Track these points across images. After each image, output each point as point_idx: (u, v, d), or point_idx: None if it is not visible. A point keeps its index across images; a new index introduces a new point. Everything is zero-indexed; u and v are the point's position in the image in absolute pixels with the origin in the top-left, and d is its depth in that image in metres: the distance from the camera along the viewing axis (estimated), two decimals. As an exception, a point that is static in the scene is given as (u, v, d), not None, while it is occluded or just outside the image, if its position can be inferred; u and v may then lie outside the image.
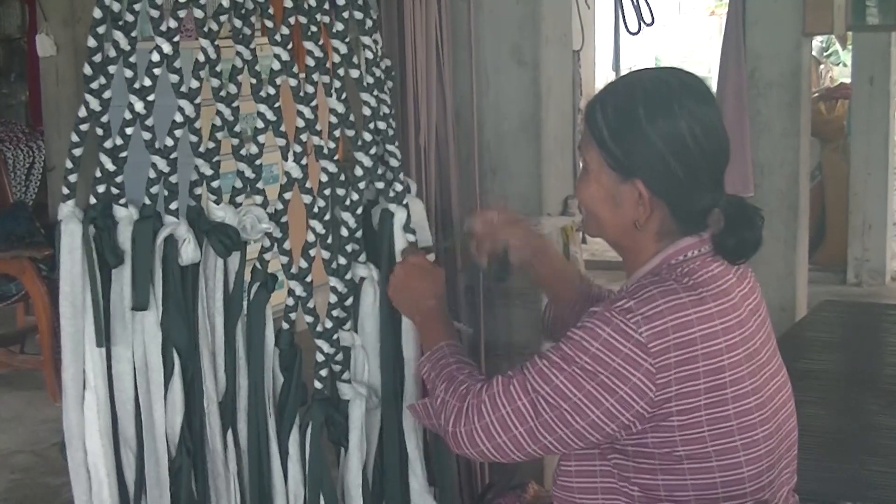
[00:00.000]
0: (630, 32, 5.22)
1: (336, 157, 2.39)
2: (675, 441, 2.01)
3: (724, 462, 2.03)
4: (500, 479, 2.77)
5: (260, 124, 2.34)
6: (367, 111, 2.44)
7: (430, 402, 2.22)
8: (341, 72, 2.39)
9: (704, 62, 14.56)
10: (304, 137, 2.36)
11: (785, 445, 2.14)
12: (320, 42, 2.36)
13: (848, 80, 9.45)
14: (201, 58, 2.24)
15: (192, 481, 2.25)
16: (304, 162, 2.35)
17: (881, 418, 3.86)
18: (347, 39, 2.39)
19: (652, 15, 5.13)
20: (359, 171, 2.43)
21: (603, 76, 12.21)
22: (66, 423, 2.23)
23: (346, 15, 2.39)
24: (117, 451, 2.24)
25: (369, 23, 2.45)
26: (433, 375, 2.24)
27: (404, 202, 2.47)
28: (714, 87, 5.75)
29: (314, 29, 2.35)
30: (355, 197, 2.42)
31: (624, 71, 11.82)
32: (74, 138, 2.19)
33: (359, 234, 2.42)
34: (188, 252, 2.20)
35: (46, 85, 6.66)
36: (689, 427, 2.00)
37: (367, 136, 2.44)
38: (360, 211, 2.43)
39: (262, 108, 2.32)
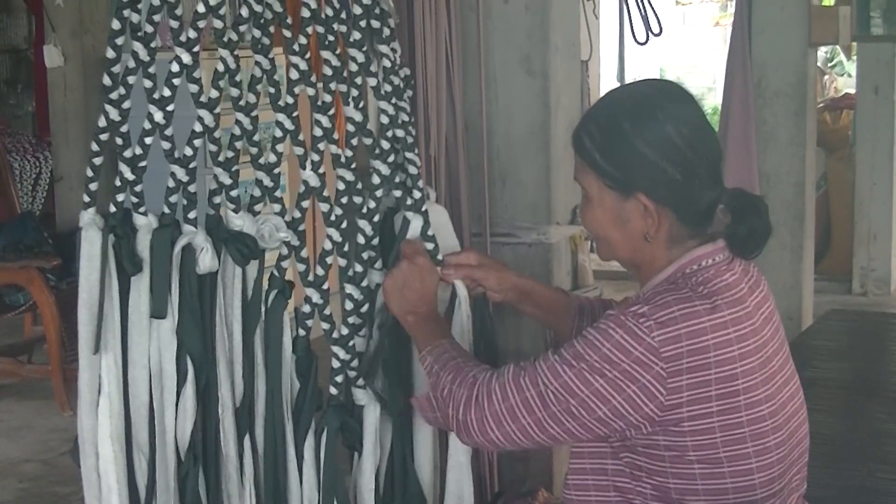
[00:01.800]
0: (638, 42, 5.23)
1: (353, 166, 2.41)
2: (687, 445, 2.02)
3: (735, 468, 2.04)
4: (510, 486, 2.77)
5: (278, 133, 2.36)
6: (384, 119, 2.45)
7: (434, 395, 2.21)
8: (358, 80, 2.40)
9: (709, 73, 14.59)
10: (321, 146, 2.37)
11: (797, 452, 2.15)
12: (337, 51, 2.38)
13: (852, 91, 9.48)
14: (221, 67, 2.25)
15: (198, 487, 2.27)
16: (321, 171, 2.37)
17: (888, 426, 3.88)
18: (364, 48, 2.40)
19: (660, 25, 5.14)
20: (376, 180, 2.44)
21: (608, 88, 12.21)
22: (80, 429, 2.23)
23: (363, 24, 2.40)
24: (130, 456, 2.26)
25: (386, 31, 2.46)
26: (437, 368, 2.23)
27: (422, 210, 2.48)
28: (720, 97, 5.78)
29: (331, 38, 2.37)
30: (372, 205, 2.43)
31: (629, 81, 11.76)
32: (94, 148, 2.20)
33: (375, 241, 2.43)
34: (206, 260, 2.21)
35: (54, 95, 6.67)
36: (701, 433, 2.01)
37: (385, 145, 2.45)
38: (376, 219, 2.43)
39: (281, 117, 2.34)
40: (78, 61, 6.55)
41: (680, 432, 2.01)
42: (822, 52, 11.90)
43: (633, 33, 5.22)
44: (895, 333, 5.27)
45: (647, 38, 5.15)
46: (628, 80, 11.95)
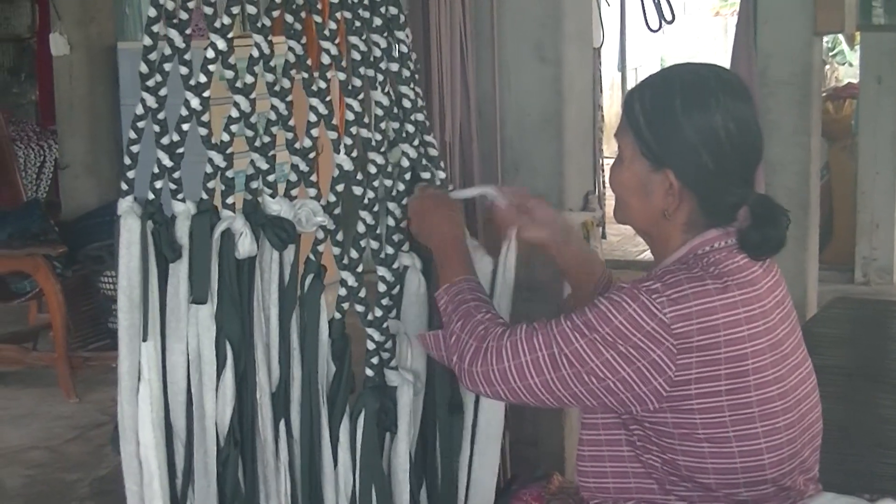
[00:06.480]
0: (651, 30, 5.23)
1: (382, 150, 2.43)
2: (696, 423, 2.05)
3: (744, 447, 2.07)
4: (524, 471, 2.79)
5: (312, 118, 2.38)
6: (406, 103, 2.49)
7: (442, 335, 2.26)
8: (383, 65, 2.43)
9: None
10: (353, 130, 2.39)
11: (808, 436, 2.18)
12: (364, 37, 2.41)
13: (854, 81, 9.47)
14: (255, 53, 2.27)
15: (238, 472, 2.28)
16: (354, 154, 2.39)
17: (894, 412, 3.89)
18: (386, 34, 2.43)
19: (672, 12, 5.13)
20: (405, 163, 2.47)
21: (609, 76, 12.18)
22: (120, 415, 2.25)
23: (383, 10, 2.44)
24: (168, 442, 2.27)
25: (402, 18, 2.50)
26: (450, 309, 2.27)
27: (449, 189, 2.53)
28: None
29: (358, 24, 2.40)
30: (401, 188, 2.46)
31: (630, 72, 11.74)
32: (132, 135, 2.22)
33: (403, 223, 2.47)
34: (245, 245, 2.23)
35: (60, 84, 6.66)
36: (710, 411, 2.05)
37: (410, 128, 2.48)
38: (405, 201, 2.47)
39: (314, 101, 2.36)
40: (83, 50, 6.54)
41: (689, 409, 2.05)
42: (824, 41, 11.91)
43: (645, 20, 5.21)
44: (900, 321, 5.28)
45: (661, 26, 5.15)
46: (629, 68, 11.93)
